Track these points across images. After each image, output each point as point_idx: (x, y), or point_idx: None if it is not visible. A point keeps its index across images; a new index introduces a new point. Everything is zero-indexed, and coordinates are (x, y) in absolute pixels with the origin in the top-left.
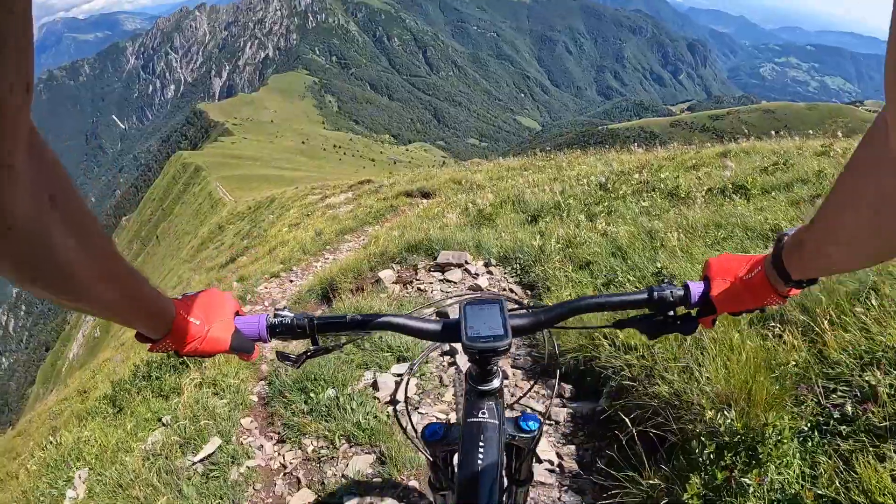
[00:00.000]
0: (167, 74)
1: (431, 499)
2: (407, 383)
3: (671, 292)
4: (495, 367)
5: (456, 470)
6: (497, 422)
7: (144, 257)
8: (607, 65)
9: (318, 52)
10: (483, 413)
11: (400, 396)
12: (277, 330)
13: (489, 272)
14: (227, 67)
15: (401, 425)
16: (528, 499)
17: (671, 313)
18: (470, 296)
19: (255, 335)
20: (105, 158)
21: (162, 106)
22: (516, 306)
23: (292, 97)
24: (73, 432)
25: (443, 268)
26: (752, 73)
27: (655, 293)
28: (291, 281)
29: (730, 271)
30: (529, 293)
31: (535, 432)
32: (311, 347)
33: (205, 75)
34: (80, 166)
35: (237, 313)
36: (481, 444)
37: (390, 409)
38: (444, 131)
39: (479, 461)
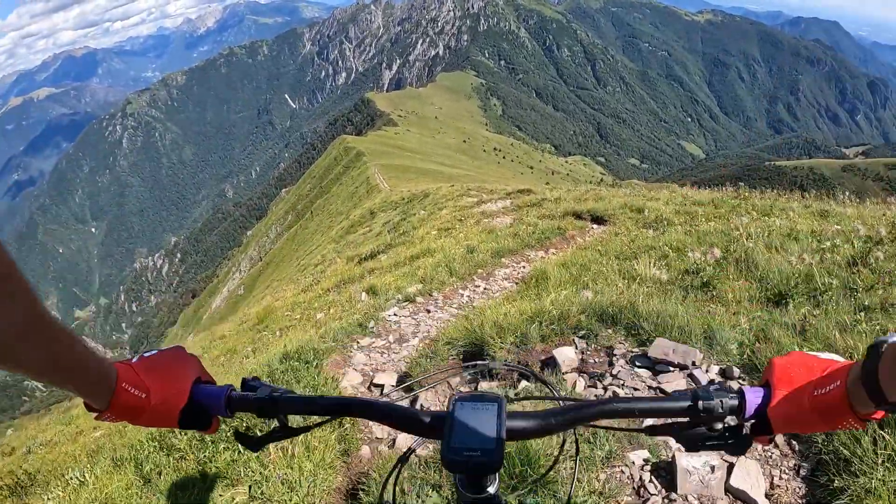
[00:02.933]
0: (340, 62)
1: None
2: (395, 480)
3: (721, 402)
4: (493, 491)
5: None
6: None
7: (297, 229)
8: (780, 96)
9: (487, 54)
10: None
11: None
12: (238, 406)
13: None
14: (398, 61)
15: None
16: None
17: (720, 427)
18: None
19: (214, 409)
20: (273, 133)
21: (332, 91)
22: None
23: (458, 96)
24: None
25: (654, 363)
26: None
27: (701, 403)
28: (429, 311)
29: (797, 379)
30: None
31: None
32: (275, 428)
33: (375, 66)
34: (248, 137)
35: (199, 380)
36: None
37: None
38: (605, 147)
39: None
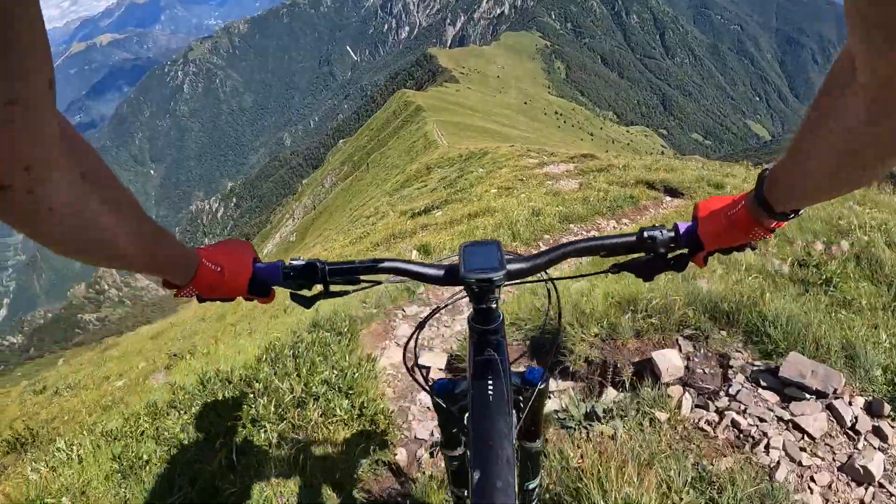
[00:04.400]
0: (403, 16)
1: (446, 465)
2: (417, 337)
3: (661, 232)
4: (495, 305)
5: (469, 406)
6: (502, 357)
7: (352, 180)
8: None
9: (553, 16)
10: (488, 351)
11: (410, 350)
12: (291, 274)
13: (880, 436)
14: (462, 18)
15: (412, 376)
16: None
17: (662, 251)
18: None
19: (271, 281)
20: (333, 84)
21: (394, 45)
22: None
23: (521, 57)
24: None
25: (783, 385)
26: None
27: (645, 233)
28: None
29: (716, 210)
30: None
31: (539, 383)
32: (321, 292)
33: (439, 22)
34: (308, 87)
35: (255, 260)
36: (490, 377)
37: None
38: (668, 120)
39: (490, 392)
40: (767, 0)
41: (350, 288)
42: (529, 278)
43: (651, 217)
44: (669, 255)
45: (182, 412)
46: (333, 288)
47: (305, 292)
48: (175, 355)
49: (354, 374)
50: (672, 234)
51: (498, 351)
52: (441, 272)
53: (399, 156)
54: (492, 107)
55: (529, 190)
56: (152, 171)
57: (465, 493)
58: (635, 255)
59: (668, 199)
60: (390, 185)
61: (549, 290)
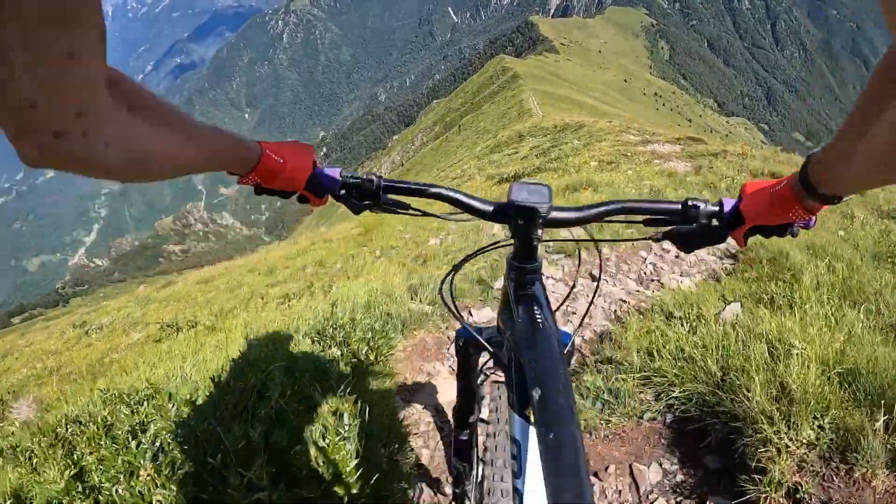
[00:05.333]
0: None
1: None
2: (453, 276)
3: (706, 204)
4: (536, 244)
5: (517, 336)
6: (543, 297)
7: (443, 140)
8: None
9: None
10: (531, 287)
11: (445, 287)
12: (348, 183)
13: None
14: None
15: (447, 307)
16: None
17: (704, 222)
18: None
19: (328, 185)
20: (432, 44)
21: (496, 10)
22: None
23: (625, 33)
24: None
25: None
26: None
27: (689, 202)
28: (594, 277)
29: (761, 187)
30: None
31: (569, 345)
32: (372, 203)
33: None
34: (407, 45)
35: (314, 163)
36: (537, 310)
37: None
38: (770, 115)
39: (539, 320)
40: None
41: (400, 210)
42: (570, 237)
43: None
44: (709, 227)
45: None
46: (386, 206)
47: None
48: (169, 326)
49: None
50: (716, 208)
51: (537, 291)
52: (490, 207)
53: (492, 121)
54: (590, 81)
55: (638, 167)
56: (247, 115)
57: (466, 468)
58: (678, 226)
59: None
60: (480, 149)
61: (578, 251)
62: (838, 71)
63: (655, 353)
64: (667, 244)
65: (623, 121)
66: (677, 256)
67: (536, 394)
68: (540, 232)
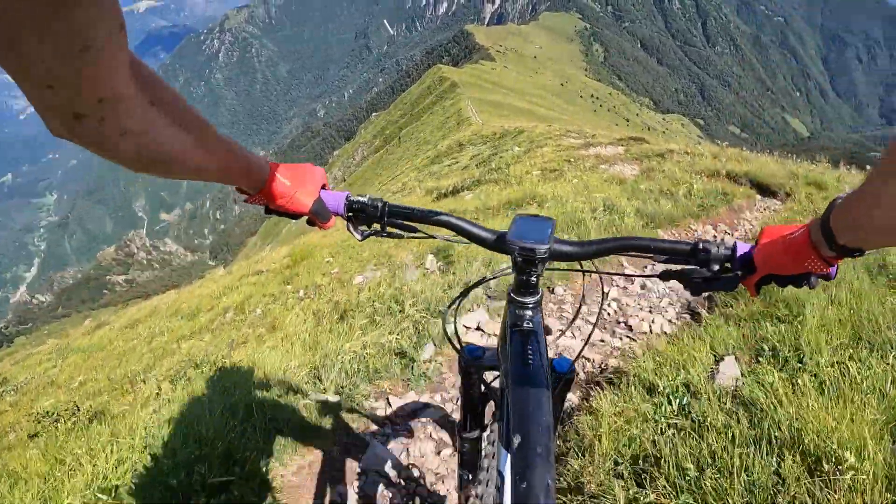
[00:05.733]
0: None
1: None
2: (459, 303)
3: (717, 248)
4: (536, 280)
5: (506, 376)
6: (540, 331)
7: (383, 153)
8: None
9: None
10: (527, 323)
11: (451, 313)
12: (353, 207)
13: None
14: None
15: (447, 337)
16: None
17: (717, 268)
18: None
19: (334, 208)
20: (369, 57)
21: (432, 20)
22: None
23: (560, 38)
24: None
25: None
26: None
27: (701, 245)
28: (549, 330)
29: (778, 233)
30: None
31: (568, 373)
32: (376, 229)
33: None
34: (344, 59)
35: (323, 186)
36: (529, 346)
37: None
38: (705, 110)
39: (530, 360)
40: None
41: (405, 234)
42: (574, 266)
43: (751, 224)
44: (722, 274)
45: None
46: (390, 230)
47: (364, 229)
48: (47, 415)
49: None
50: (728, 252)
51: (535, 324)
52: (493, 237)
53: (431, 132)
54: (527, 87)
55: (583, 174)
56: None
57: (470, 477)
58: (686, 266)
59: (760, 197)
60: (420, 160)
61: (583, 280)
62: (768, 63)
63: (644, 476)
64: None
65: (562, 124)
66: (643, 287)
67: (516, 440)
68: (540, 269)
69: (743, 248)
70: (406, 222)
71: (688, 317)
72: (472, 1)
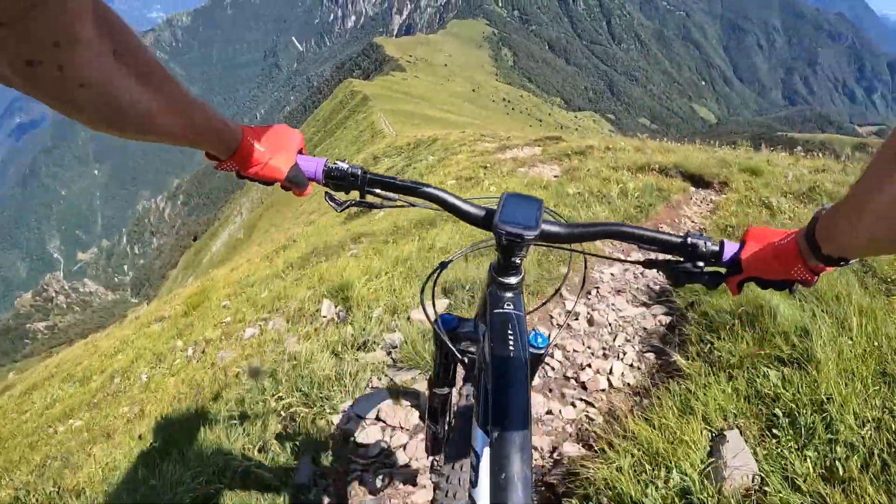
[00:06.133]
0: (349, 5)
1: (428, 401)
2: (437, 276)
3: (706, 243)
4: (520, 261)
5: (485, 359)
6: (521, 313)
7: None
8: (797, 68)
9: (500, 3)
10: (509, 305)
11: (428, 287)
12: (332, 174)
13: None
14: (409, 6)
15: (425, 311)
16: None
17: (701, 265)
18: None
19: (311, 174)
20: (279, 76)
21: (340, 35)
22: (555, 214)
23: (469, 45)
24: None
25: None
26: None
27: (690, 239)
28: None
29: (765, 237)
30: None
31: (544, 350)
32: (355, 200)
33: (385, 11)
34: (254, 79)
35: (300, 151)
36: (510, 332)
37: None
38: (615, 105)
39: (511, 347)
40: None
41: (386, 203)
42: (560, 245)
43: (692, 220)
44: (706, 269)
45: None
46: (370, 199)
47: (342, 196)
48: None
49: None
50: (716, 248)
51: (516, 307)
52: (482, 213)
53: (346, 146)
54: (439, 95)
55: (502, 179)
56: (96, 171)
57: (438, 428)
58: (672, 258)
59: (695, 189)
60: None
61: (569, 260)
62: (673, 56)
63: None
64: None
65: (476, 129)
66: (590, 322)
67: (495, 432)
68: (525, 251)
69: (731, 248)
70: (387, 192)
71: (652, 357)
72: (379, 13)
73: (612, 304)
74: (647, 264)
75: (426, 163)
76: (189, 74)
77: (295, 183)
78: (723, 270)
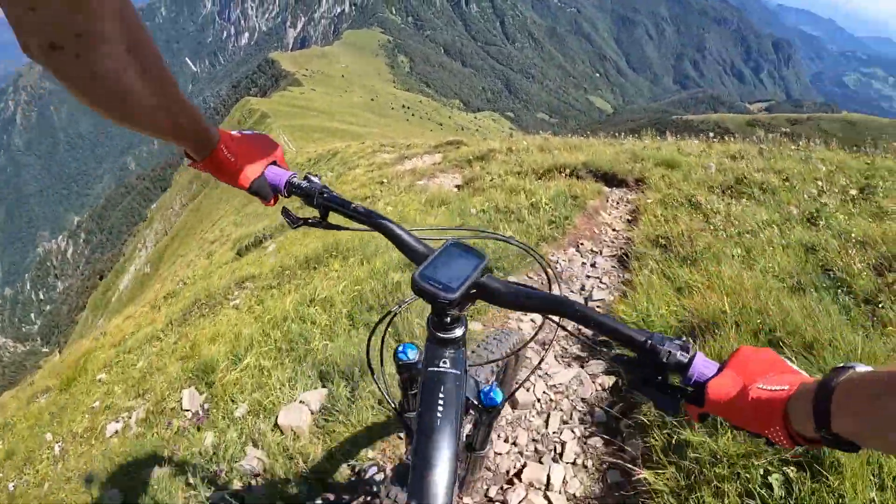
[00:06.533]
0: (242, 22)
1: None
2: (388, 324)
3: (671, 353)
4: (455, 316)
5: (415, 422)
6: (458, 372)
7: (202, 198)
8: (687, 53)
9: (394, 10)
10: (444, 363)
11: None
12: (294, 189)
13: None
14: (303, 19)
15: (369, 364)
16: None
17: (660, 377)
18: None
19: (275, 186)
20: None
21: (235, 52)
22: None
23: (365, 54)
24: None
25: None
26: (835, 81)
27: (649, 343)
28: None
29: (752, 372)
30: None
31: (497, 407)
32: (311, 218)
33: (279, 25)
34: None
35: (275, 162)
36: (441, 395)
37: None
38: (513, 103)
39: (438, 416)
40: None
41: (346, 227)
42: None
43: (615, 230)
44: (667, 383)
45: None
46: (327, 220)
47: (299, 217)
48: None
49: None
50: (684, 361)
51: (454, 365)
52: (423, 249)
53: None
54: (338, 107)
55: (399, 196)
56: None
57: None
58: (630, 354)
59: (609, 190)
60: (238, 201)
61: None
62: (567, 51)
63: None
64: None
65: (377, 138)
66: (513, 405)
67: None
68: (455, 310)
69: (701, 367)
70: (344, 213)
71: (599, 444)
72: (273, 28)
73: (539, 368)
74: (611, 357)
75: (324, 180)
76: (81, 105)
77: (258, 193)
78: (689, 388)
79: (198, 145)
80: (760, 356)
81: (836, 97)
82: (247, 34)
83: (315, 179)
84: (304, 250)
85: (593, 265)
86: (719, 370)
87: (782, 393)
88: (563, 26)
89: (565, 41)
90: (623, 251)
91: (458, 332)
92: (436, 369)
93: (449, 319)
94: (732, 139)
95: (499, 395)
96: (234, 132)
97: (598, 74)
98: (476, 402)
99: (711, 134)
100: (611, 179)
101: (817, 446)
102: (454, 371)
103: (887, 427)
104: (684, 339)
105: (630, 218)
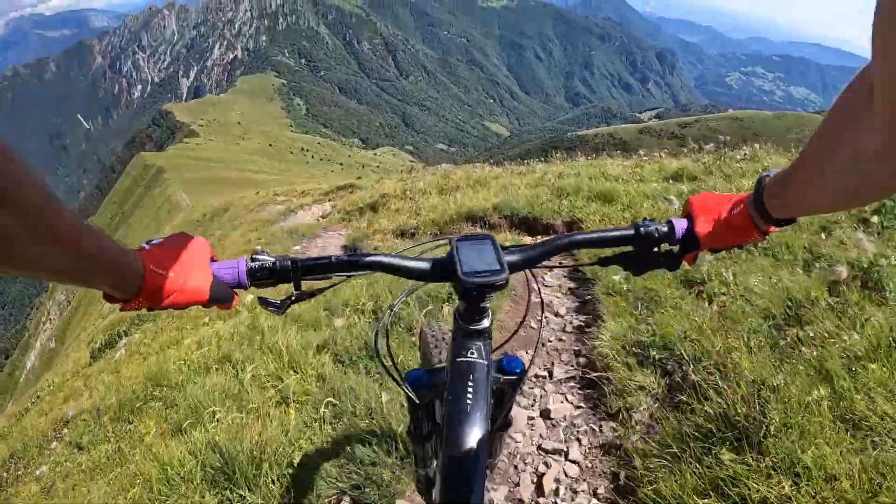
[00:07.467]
0: (134, 74)
1: (412, 447)
2: (388, 324)
3: (656, 229)
4: (486, 306)
5: (444, 411)
6: (486, 362)
7: None
8: (576, 72)
9: (287, 53)
10: (472, 353)
11: (381, 340)
12: (258, 275)
13: None
14: (195, 68)
15: (385, 369)
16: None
17: (655, 250)
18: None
19: (234, 281)
20: (69, 159)
21: (128, 106)
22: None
23: (260, 99)
24: None
25: None
26: (718, 82)
27: (642, 229)
28: None
29: (712, 209)
30: None
31: (519, 374)
32: (294, 293)
33: (172, 76)
34: (42, 168)
35: (212, 259)
36: (470, 384)
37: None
38: (412, 136)
39: (469, 402)
40: (487, 11)
41: (326, 284)
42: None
43: (571, 323)
44: (661, 252)
45: None
46: (306, 287)
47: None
48: None
49: None
50: (666, 229)
51: (482, 354)
52: (428, 266)
53: (145, 227)
54: (236, 155)
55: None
56: None
57: (428, 474)
58: (625, 249)
59: (532, 240)
60: None
61: (527, 276)
62: (460, 81)
63: None
64: None
65: (274, 186)
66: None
67: (444, 488)
68: (491, 297)
69: (680, 225)
70: (328, 274)
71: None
72: (166, 78)
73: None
74: (603, 262)
75: (212, 241)
76: None
77: (219, 300)
78: (675, 248)
79: (119, 280)
80: (707, 197)
81: (721, 97)
82: (140, 86)
83: (265, 255)
84: (164, 340)
85: (546, 416)
86: (690, 221)
87: (742, 211)
88: (455, 56)
89: (458, 71)
90: (586, 365)
91: (486, 322)
92: (465, 359)
93: (484, 308)
94: (664, 153)
95: (519, 365)
96: (144, 244)
97: (492, 100)
98: (497, 377)
99: (614, 148)
100: (533, 226)
101: (775, 230)
102: (482, 362)
103: (801, 199)
104: (656, 218)
105: (575, 287)
